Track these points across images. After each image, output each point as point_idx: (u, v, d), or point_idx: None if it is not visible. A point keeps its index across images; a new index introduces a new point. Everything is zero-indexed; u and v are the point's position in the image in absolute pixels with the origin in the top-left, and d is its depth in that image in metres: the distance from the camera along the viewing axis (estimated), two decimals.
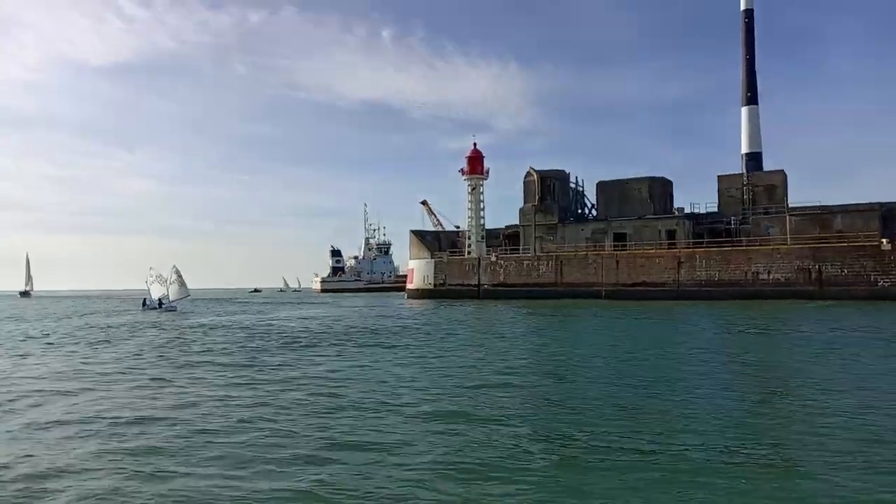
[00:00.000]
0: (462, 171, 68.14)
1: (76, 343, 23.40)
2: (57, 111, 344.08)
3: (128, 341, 23.61)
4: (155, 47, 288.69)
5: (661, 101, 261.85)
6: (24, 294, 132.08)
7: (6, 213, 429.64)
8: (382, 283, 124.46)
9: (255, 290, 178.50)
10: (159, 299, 50.94)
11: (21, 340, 25.03)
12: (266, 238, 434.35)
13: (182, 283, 50.59)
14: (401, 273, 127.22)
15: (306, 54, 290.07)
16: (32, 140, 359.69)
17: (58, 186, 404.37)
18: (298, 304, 66.96)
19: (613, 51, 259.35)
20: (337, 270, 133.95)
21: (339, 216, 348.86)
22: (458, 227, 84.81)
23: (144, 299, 54.55)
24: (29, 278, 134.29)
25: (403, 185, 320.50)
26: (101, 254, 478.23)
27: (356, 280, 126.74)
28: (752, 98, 59.14)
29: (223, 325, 32.52)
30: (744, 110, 59.84)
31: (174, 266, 51.14)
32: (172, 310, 49.22)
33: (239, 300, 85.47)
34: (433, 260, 66.67)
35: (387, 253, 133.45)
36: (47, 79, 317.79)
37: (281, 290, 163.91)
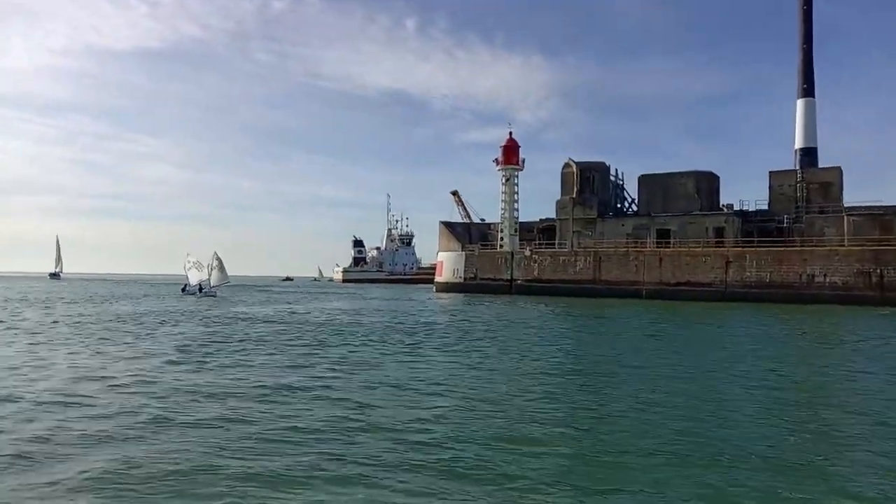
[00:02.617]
0: (496, 161, 65.87)
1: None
2: (82, 97, 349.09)
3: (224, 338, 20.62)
4: (178, 33, 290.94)
5: (691, 95, 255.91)
6: (54, 276, 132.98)
7: (30, 197, 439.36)
8: (404, 274, 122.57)
9: (287, 279, 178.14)
10: (199, 284, 51.31)
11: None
12: (289, 226, 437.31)
13: (222, 269, 51.34)
14: (423, 265, 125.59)
15: (329, 43, 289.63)
16: (57, 125, 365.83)
17: (81, 171, 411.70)
18: (334, 294, 65.61)
19: (642, 44, 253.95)
20: (359, 261, 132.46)
21: (359, 206, 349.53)
22: (482, 220, 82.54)
23: (185, 285, 54.90)
24: (59, 260, 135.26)
25: (423, 175, 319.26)
26: (123, 238, 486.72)
27: (378, 271, 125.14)
28: (808, 90, 55.54)
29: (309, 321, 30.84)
30: (799, 103, 56.33)
31: (215, 252, 51.88)
32: (212, 295, 49.59)
33: (274, 289, 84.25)
34: (464, 253, 64.58)
35: (409, 244, 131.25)
36: (73, 65, 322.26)
37: (315, 280, 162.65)
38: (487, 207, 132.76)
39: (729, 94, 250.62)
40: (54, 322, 25.18)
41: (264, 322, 26.56)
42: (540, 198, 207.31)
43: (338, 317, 30.33)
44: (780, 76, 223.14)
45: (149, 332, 21.76)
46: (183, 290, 54.82)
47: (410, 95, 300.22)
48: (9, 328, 22.34)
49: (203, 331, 22.26)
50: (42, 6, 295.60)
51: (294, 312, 33.62)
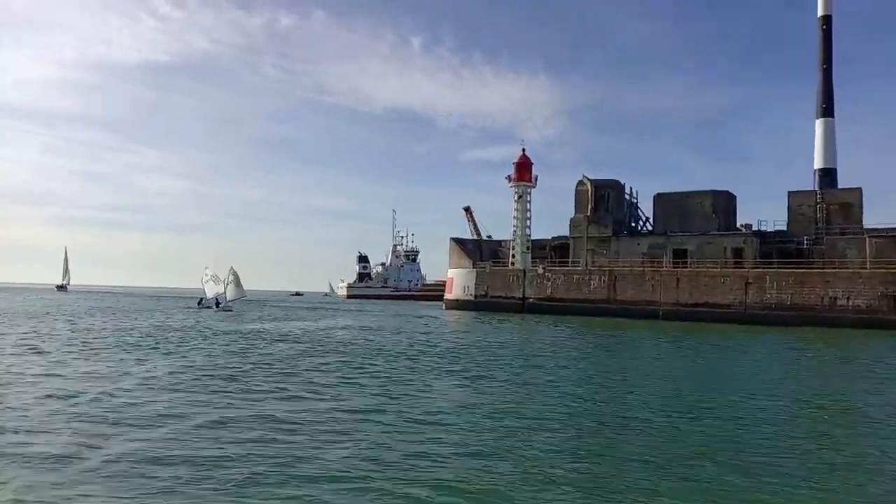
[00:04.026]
0: (509, 178, 65.19)
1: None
2: (90, 109, 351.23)
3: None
4: (187, 47, 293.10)
5: (698, 113, 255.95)
6: (61, 288, 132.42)
7: (35, 207, 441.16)
8: (409, 291, 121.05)
9: (297, 294, 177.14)
10: (215, 298, 51.49)
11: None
12: (296, 239, 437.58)
13: (238, 284, 51.41)
14: (427, 282, 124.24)
15: (335, 59, 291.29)
16: (64, 136, 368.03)
17: (86, 182, 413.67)
18: (346, 311, 64.75)
19: (647, 62, 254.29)
20: (363, 277, 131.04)
21: (364, 219, 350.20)
22: (489, 237, 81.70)
23: (201, 298, 55.41)
24: (66, 272, 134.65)
25: (427, 191, 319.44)
26: (128, 250, 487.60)
27: (383, 287, 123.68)
28: (827, 110, 54.80)
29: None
30: (818, 123, 55.58)
31: (231, 267, 52.00)
32: (229, 310, 49.63)
33: (286, 304, 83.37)
34: (475, 270, 63.69)
35: (414, 260, 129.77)
36: (82, 77, 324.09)
37: (326, 295, 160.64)
38: (493, 225, 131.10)
39: (737, 113, 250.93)
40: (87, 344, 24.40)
41: (298, 342, 25.75)
42: (546, 215, 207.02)
43: (370, 338, 29.42)
44: (787, 94, 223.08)
45: (185, 349, 21.08)
46: (199, 303, 55.05)
47: (416, 112, 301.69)
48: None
49: (233, 350, 21.46)
50: (52, 18, 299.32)
51: (320, 330, 32.81)
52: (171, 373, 15.28)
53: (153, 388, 12.97)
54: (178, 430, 9.35)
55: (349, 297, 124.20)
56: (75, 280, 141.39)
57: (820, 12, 56.47)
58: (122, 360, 17.66)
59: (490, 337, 29.89)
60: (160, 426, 9.55)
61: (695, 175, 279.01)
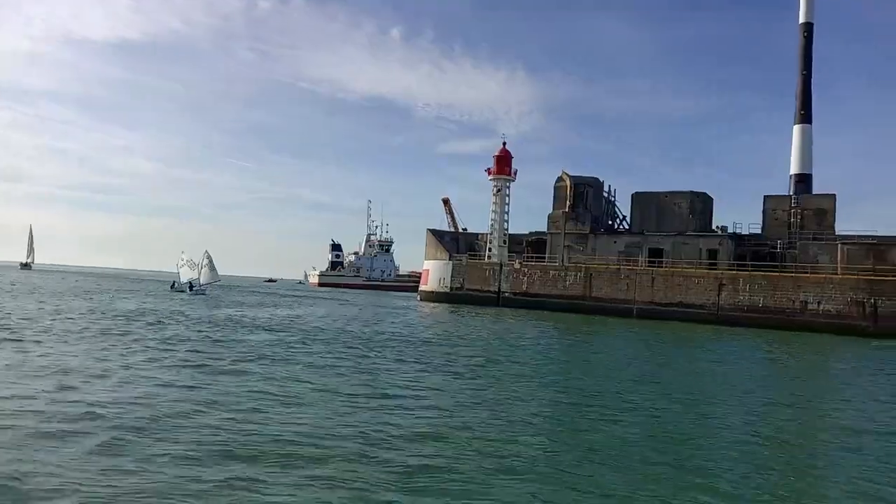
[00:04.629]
0: (488, 170, 64.78)
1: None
2: (60, 85, 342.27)
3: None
4: (162, 27, 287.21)
5: (675, 117, 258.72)
6: (25, 266, 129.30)
7: (1, 184, 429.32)
8: (382, 281, 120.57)
9: (270, 280, 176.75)
10: (189, 282, 52.30)
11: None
12: (268, 226, 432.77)
13: (213, 268, 52.65)
14: (401, 273, 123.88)
15: (313, 46, 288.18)
16: (32, 112, 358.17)
17: (54, 160, 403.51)
18: (322, 299, 63.97)
19: (625, 65, 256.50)
20: (336, 265, 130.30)
21: (338, 209, 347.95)
22: (464, 230, 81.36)
23: (174, 282, 56.59)
24: (31, 251, 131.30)
25: (401, 182, 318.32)
26: (96, 230, 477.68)
27: (355, 276, 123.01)
28: (805, 116, 55.40)
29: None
30: (796, 129, 56.16)
31: (206, 251, 53.16)
32: (202, 294, 50.41)
33: (260, 290, 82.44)
34: (451, 262, 63.26)
35: (388, 251, 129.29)
36: (52, 52, 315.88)
37: (300, 283, 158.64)
38: (467, 218, 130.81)
39: (715, 116, 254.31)
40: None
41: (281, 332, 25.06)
42: (519, 210, 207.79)
43: (354, 328, 28.89)
44: (766, 100, 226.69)
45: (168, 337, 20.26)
46: (172, 286, 55.49)
47: (393, 102, 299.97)
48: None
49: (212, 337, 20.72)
50: None
51: (298, 317, 32.14)
52: (149, 360, 14.63)
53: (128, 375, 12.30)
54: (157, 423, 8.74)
55: (320, 285, 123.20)
56: (42, 259, 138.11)
57: (801, 19, 56.95)
58: (87, 348, 16.87)
59: (465, 329, 29.54)
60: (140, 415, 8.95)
61: (671, 176, 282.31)
